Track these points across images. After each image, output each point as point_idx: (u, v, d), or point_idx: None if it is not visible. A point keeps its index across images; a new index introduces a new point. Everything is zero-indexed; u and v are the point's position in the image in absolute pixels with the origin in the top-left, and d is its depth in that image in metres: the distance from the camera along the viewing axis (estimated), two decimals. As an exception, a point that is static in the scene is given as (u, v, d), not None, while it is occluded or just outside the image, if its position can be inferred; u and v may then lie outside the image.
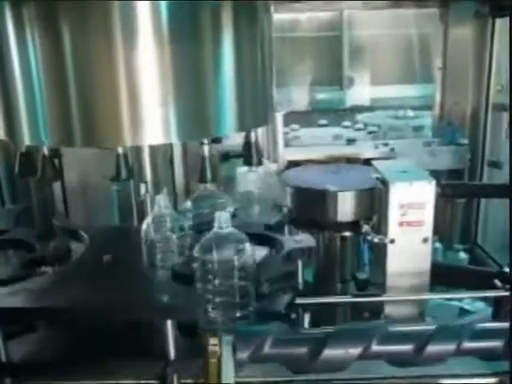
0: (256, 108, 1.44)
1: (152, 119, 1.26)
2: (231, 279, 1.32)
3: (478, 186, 2.26)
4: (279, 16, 3.77)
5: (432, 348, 1.12)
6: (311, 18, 4.16)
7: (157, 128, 1.28)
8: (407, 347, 1.12)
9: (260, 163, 1.65)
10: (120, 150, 1.42)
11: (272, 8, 1.49)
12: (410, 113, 3.33)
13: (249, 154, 1.60)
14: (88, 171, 2.29)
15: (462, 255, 2.37)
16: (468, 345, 1.14)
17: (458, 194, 2.01)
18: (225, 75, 1.31)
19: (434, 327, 1.16)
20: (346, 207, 1.91)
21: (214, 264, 1.32)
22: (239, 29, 1.32)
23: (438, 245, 2.26)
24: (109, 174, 1.99)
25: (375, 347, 1.10)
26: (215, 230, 1.34)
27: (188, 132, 1.33)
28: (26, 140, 1.34)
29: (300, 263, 1.52)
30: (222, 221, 1.34)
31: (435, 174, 2.31)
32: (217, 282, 1.31)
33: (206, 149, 1.47)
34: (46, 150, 1.51)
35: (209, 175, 1.50)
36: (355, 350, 1.10)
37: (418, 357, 1.11)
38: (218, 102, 1.32)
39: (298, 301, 1.48)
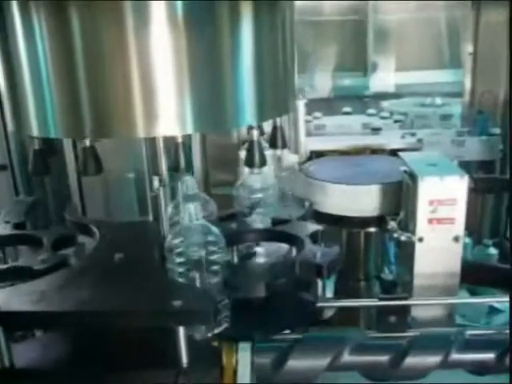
0: (277, 97, 1.37)
1: (166, 109, 1.20)
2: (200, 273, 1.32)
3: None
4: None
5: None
6: (335, 2, 4.04)
7: (171, 119, 1.22)
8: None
9: (285, 146, 1.61)
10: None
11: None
12: (438, 100, 3.19)
13: (274, 138, 1.56)
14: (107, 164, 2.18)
15: (492, 250, 2.24)
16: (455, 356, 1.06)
17: (492, 188, 1.89)
18: (243, 63, 1.25)
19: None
20: (370, 202, 1.80)
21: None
22: (259, 14, 1.25)
23: (466, 240, 2.15)
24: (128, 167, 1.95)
25: (455, 355, 1.02)
26: (184, 222, 1.32)
27: (204, 123, 1.27)
28: (34, 132, 1.28)
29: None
30: (192, 213, 1.32)
31: (464, 165, 2.24)
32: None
33: (255, 133, 1.41)
34: (87, 142, 1.37)
35: (257, 159, 1.44)
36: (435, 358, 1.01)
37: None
38: (236, 91, 1.26)
39: (320, 304, 1.39)
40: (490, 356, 1.22)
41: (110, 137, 1.40)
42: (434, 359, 1.12)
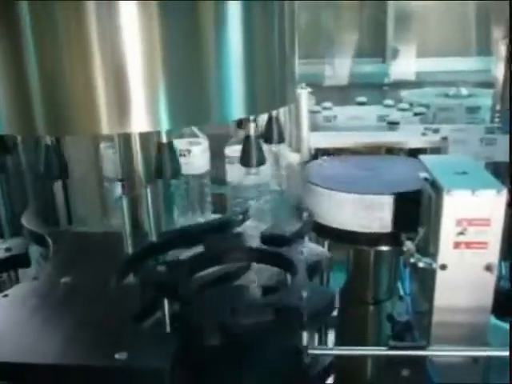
0: (271, 87, 1.15)
1: (135, 102, 0.98)
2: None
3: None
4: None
5: None
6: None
7: (141, 113, 0.99)
8: None
9: (282, 140, 1.43)
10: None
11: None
12: (464, 91, 2.87)
13: (269, 131, 1.37)
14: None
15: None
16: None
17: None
18: (229, 45, 1.03)
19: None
20: (383, 215, 1.49)
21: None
22: None
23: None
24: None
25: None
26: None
27: (182, 117, 1.05)
28: None
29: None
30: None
31: (493, 168, 1.93)
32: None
33: (252, 126, 1.22)
34: (48, 140, 1.21)
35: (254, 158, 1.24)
36: None
37: None
38: (221, 79, 1.04)
39: (311, 351, 1.08)
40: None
41: (68, 134, 1.25)
42: None
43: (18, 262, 1.36)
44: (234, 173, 1.60)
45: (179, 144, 1.57)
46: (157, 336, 1.03)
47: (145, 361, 0.94)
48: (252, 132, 1.23)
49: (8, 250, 1.40)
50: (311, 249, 1.31)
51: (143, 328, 1.07)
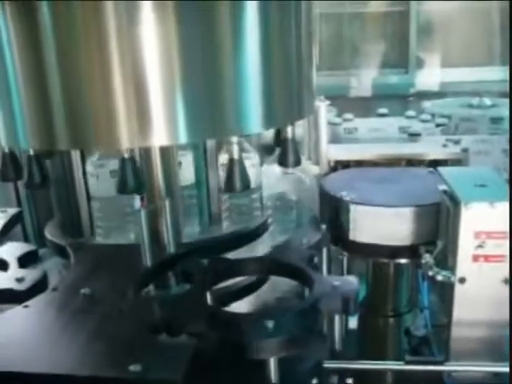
0: (289, 100, 1.15)
1: (154, 116, 1.00)
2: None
3: None
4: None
5: None
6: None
7: (160, 126, 1.01)
8: None
9: (298, 163, 1.32)
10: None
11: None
12: (487, 101, 2.84)
13: (283, 153, 1.28)
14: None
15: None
16: None
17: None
18: (247, 61, 1.04)
19: None
20: (401, 228, 1.48)
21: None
22: (267, 5, 1.04)
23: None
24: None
25: None
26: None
27: (200, 131, 1.07)
28: (2, 141, 1.11)
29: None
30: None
31: None
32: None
33: (290, 129, 1.21)
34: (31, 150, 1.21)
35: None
36: None
37: None
38: (239, 93, 1.05)
39: (327, 364, 1.08)
40: None
41: (88, 147, 1.29)
42: None
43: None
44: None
45: (222, 159, 1.58)
46: (171, 348, 1.03)
47: (158, 373, 0.94)
48: (289, 135, 1.21)
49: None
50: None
51: (158, 340, 1.08)
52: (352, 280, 1.08)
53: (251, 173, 1.57)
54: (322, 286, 1.05)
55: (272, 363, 0.99)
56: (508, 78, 2.05)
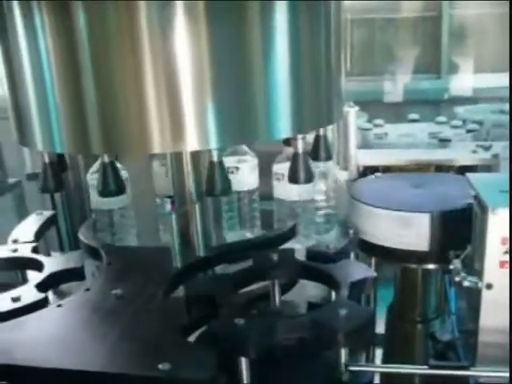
0: (318, 105, 1.17)
1: (185, 122, 1.03)
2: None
3: None
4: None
5: None
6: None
7: (192, 132, 1.04)
8: None
9: (329, 158, 1.42)
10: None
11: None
12: (520, 106, 2.81)
13: (316, 149, 1.36)
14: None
15: None
16: None
17: None
18: (277, 63, 1.06)
19: None
20: (430, 232, 1.48)
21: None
22: (296, 5, 1.05)
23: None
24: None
25: None
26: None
27: (231, 136, 1.09)
28: (39, 145, 1.15)
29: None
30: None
31: None
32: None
33: (300, 144, 1.23)
34: (46, 158, 1.29)
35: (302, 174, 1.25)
36: None
37: None
38: (269, 99, 1.07)
39: (352, 368, 1.09)
40: None
41: (121, 152, 1.29)
42: None
43: (74, 275, 1.42)
44: (281, 189, 1.62)
45: (229, 161, 1.61)
46: (200, 348, 1.06)
47: (187, 372, 0.96)
48: (300, 150, 1.24)
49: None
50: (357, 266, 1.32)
51: (188, 340, 1.10)
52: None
53: (251, 174, 1.62)
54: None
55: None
56: (508, 80, 2.02)
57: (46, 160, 1.28)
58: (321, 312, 1.10)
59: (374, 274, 1.33)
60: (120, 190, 1.19)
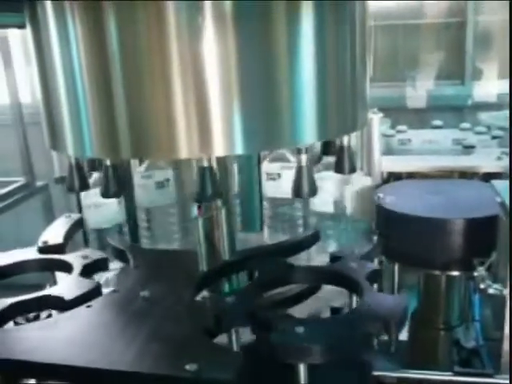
0: (343, 112, 1.16)
1: (212, 127, 1.03)
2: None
3: None
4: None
5: None
6: (434, 2, 3.72)
7: (218, 137, 1.04)
8: None
9: (353, 171, 1.35)
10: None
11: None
12: (546, 113, 2.78)
13: (339, 161, 1.32)
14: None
15: None
16: None
17: None
18: (302, 69, 1.05)
19: None
20: (454, 239, 1.49)
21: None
22: (321, 12, 1.05)
23: None
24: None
25: None
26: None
27: (256, 142, 1.08)
28: (70, 150, 1.16)
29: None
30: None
31: None
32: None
33: (303, 157, 1.21)
34: (72, 160, 1.31)
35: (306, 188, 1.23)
36: None
37: None
38: (294, 104, 1.06)
39: (375, 372, 1.10)
40: None
41: (149, 157, 1.35)
42: None
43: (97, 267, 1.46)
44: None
45: (270, 168, 1.63)
46: (228, 349, 1.08)
47: (214, 373, 0.98)
48: (304, 162, 1.21)
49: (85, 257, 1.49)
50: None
51: (215, 342, 1.12)
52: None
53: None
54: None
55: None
56: (509, 83, 2.00)
57: (73, 161, 1.31)
58: (365, 308, 1.12)
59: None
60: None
